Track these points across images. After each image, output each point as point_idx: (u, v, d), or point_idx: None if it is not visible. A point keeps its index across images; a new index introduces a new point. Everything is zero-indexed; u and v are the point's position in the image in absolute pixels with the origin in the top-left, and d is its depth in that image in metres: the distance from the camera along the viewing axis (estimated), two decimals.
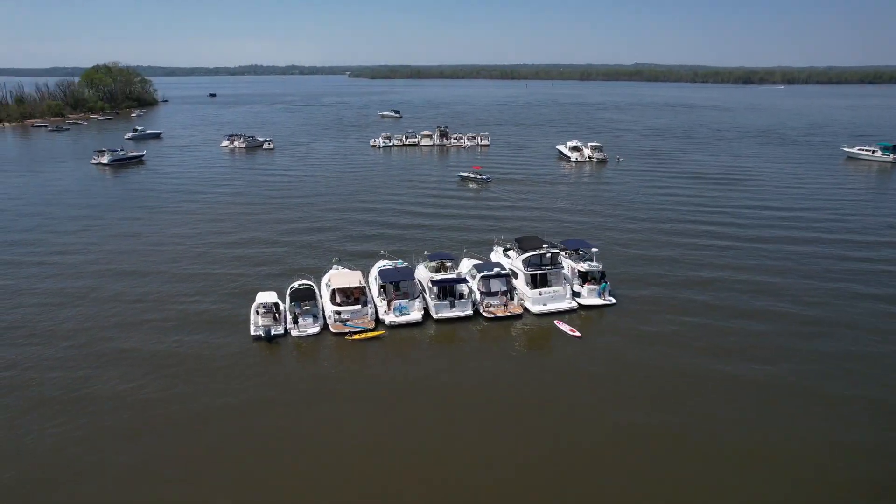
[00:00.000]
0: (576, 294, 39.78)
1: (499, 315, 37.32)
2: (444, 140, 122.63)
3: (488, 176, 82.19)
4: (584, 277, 40.46)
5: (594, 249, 42.51)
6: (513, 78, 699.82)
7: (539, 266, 39.64)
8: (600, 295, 39.42)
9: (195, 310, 38.21)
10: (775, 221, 59.82)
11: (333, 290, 36.97)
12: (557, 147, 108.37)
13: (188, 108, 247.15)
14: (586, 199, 70.27)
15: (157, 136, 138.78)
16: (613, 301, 39.43)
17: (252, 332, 34.47)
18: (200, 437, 25.42)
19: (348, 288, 36.86)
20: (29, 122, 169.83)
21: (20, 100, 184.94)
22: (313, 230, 57.31)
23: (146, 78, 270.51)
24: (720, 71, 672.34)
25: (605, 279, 40.43)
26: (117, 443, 24.94)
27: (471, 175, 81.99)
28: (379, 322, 36.33)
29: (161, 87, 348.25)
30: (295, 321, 35.14)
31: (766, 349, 32.95)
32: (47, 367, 31.09)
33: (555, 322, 36.70)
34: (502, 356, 33.21)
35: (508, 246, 44.91)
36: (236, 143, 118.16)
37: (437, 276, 38.54)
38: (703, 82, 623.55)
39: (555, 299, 38.76)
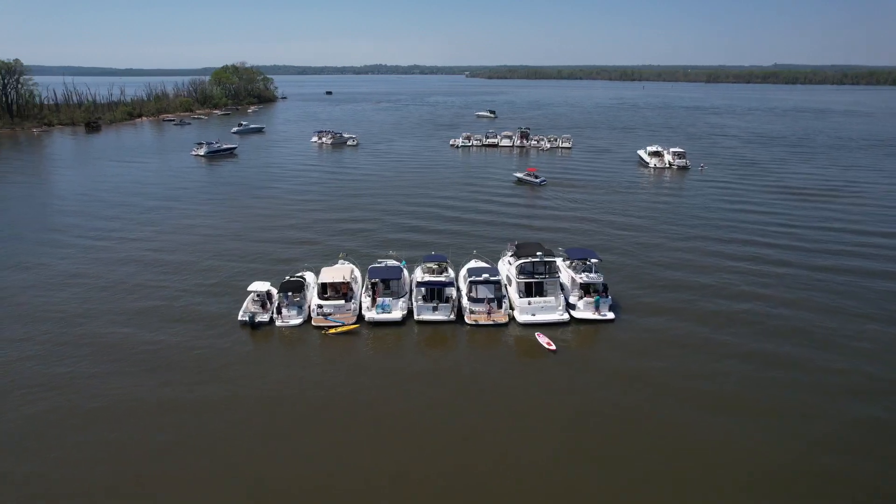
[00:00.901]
0: (571, 307, 37.68)
1: (480, 322, 36.28)
2: (525, 141, 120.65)
3: (543, 179, 79.98)
4: (586, 290, 38.19)
5: (594, 260, 39.93)
6: (633, 80, 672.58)
7: (532, 274, 38.02)
8: (595, 309, 37.02)
9: (178, 303, 40.84)
10: (858, 248, 51.59)
11: (322, 284, 37.86)
12: (638, 152, 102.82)
13: (302, 104, 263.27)
14: (643, 210, 65.80)
15: (259, 130, 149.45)
16: (611, 317, 36.83)
17: (239, 318, 36.25)
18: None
19: (335, 282, 37.59)
20: (162, 116, 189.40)
21: (157, 97, 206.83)
22: (349, 226, 58.93)
23: (268, 76, 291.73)
24: (876, 71, 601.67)
25: (606, 293, 37.92)
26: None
27: (525, 177, 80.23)
28: (360, 318, 36.71)
29: (285, 84, 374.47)
30: (279, 311, 36.47)
31: (766, 408, 27.57)
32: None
33: (536, 333, 35.01)
34: (456, 362, 32.25)
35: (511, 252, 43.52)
36: (324, 139, 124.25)
37: (423, 278, 38.19)
38: (853, 84, 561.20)
39: (545, 310, 36.96)
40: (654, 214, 63.06)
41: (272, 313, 36.77)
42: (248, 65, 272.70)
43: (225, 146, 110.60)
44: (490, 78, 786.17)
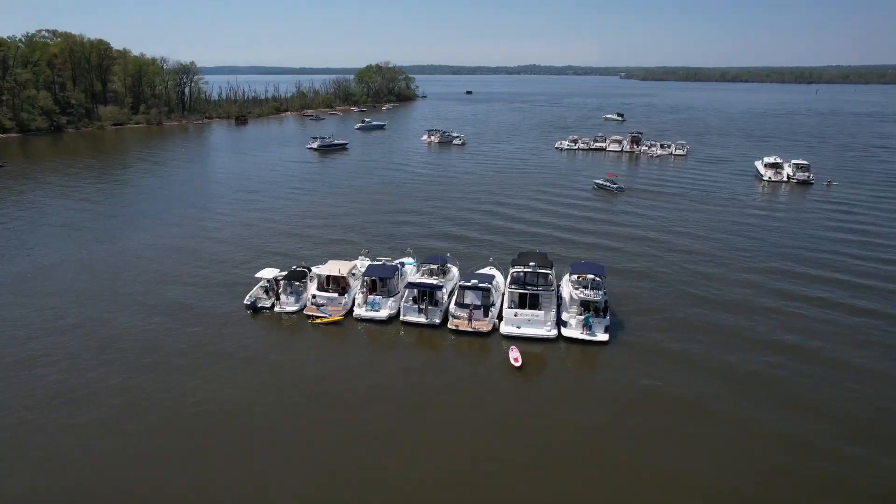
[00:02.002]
0: (564, 323, 35.44)
1: (461, 328, 35.45)
2: (634, 147, 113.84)
3: (621, 186, 75.33)
4: (586, 307, 35.65)
5: (595, 277, 36.97)
6: (809, 82, 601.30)
7: (524, 285, 36.26)
8: (584, 328, 34.45)
9: (189, 295, 44.44)
10: None
11: (320, 277, 39.40)
12: (756, 163, 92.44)
13: (437, 104, 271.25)
14: (724, 229, 58.51)
15: (380, 127, 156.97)
16: (602, 340, 34.00)
17: (244, 301, 38.99)
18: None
19: (331, 276, 38.94)
20: (303, 112, 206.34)
21: (302, 94, 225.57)
22: (400, 222, 60.22)
23: (410, 76, 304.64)
24: None
25: (605, 314, 35.09)
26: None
27: (603, 183, 76.16)
28: (350, 313, 37.68)
29: (433, 84, 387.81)
30: (277, 297, 38.68)
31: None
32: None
33: (511, 347, 33.45)
34: (405, 367, 31.58)
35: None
36: (432, 138, 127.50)
37: (413, 279, 38.14)
38: None
39: (532, 324, 35.10)
40: (734, 237, 55.74)
41: (275, 299, 39.07)
42: (391, 64, 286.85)
43: (337, 141, 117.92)
44: (644, 79, 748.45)
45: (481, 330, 35.24)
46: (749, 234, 56.68)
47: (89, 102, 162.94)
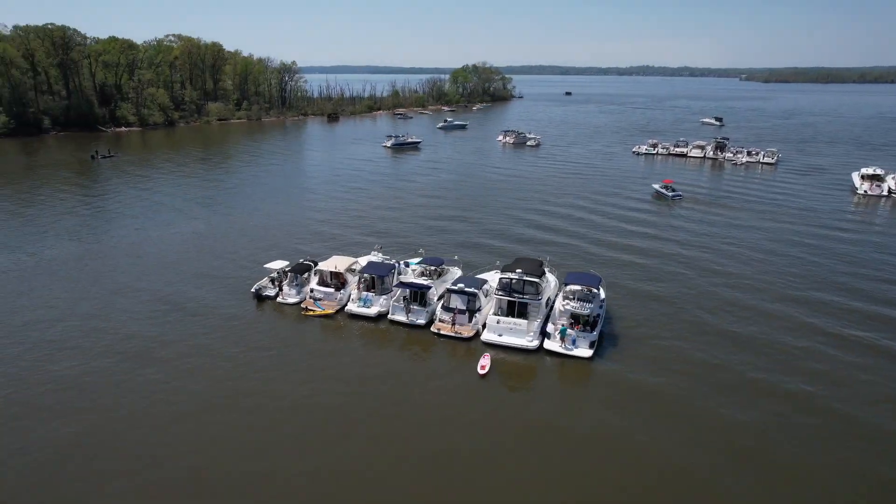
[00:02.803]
0: (547, 335, 34.03)
1: (442, 332, 35.06)
2: (719, 153, 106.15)
3: (678, 193, 70.60)
4: (576, 320, 34.04)
5: (587, 289, 34.98)
6: None
7: (510, 292, 35.17)
8: (562, 340, 32.88)
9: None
10: None
11: (321, 271, 40.52)
12: (852, 175, 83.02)
13: (531, 104, 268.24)
14: (781, 247, 53.21)
15: (462, 127, 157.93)
16: (584, 356, 32.23)
17: (252, 289, 40.98)
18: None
19: (328, 271, 39.94)
20: (394, 111, 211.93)
21: (396, 93, 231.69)
22: (434, 226, 60.35)
23: (507, 76, 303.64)
24: None
25: (592, 328, 33.28)
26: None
27: (660, 189, 71.80)
28: (343, 308, 38.47)
29: (530, 84, 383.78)
30: (280, 288, 40.32)
31: None
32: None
33: (484, 354, 32.62)
34: (374, 365, 31.66)
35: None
36: (507, 139, 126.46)
37: (404, 279, 38.17)
38: None
39: (513, 333, 33.99)
40: (790, 258, 49.83)
41: (279, 289, 40.76)
42: (487, 64, 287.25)
43: (410, 140, 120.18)
44: (767, 81, 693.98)
45: (462, 335, 34.64)
46: (811, 255, 50.72)
47: (200, 99, 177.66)
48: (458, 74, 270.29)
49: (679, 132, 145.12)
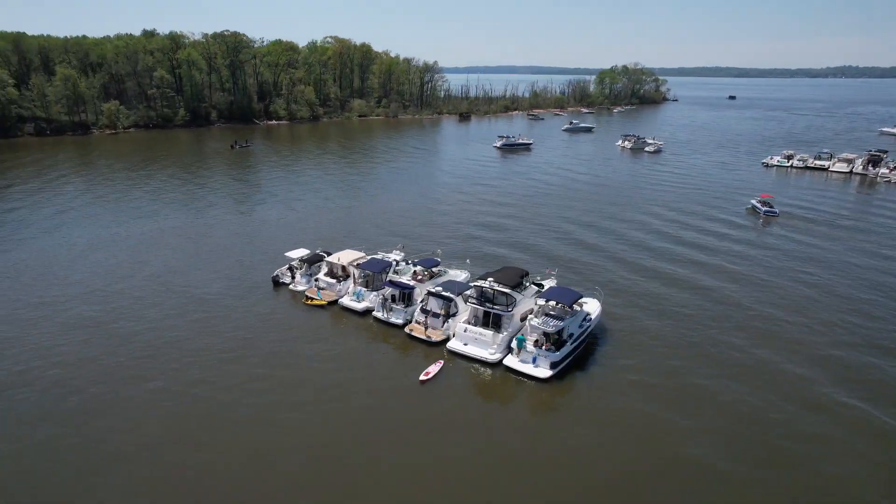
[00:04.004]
0: (510, 349, 32.45)
1: (414, 333, 34.95)
2: (870, 168, 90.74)
3: (774, 209, 62.40)
4: (547, 337, 32.12)
5: (559, 305, 32.42)
6: None
7: (481, 301, 33.94)
8: (518, 352, 31.16)
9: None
10: None
11: (329, 263, 42.33)
12: None
13: (683, 108, 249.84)
14: (876, 281, 44.95)
15: (588, 130, 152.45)
16: (541, 375, 30.22)
17: (272, 275, 44.13)
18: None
19: (334, 264, 41.61)
20: (530, 111, 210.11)
21: (535, 94, 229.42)
22: (484, 232, 59.59)
23: (660, 78, 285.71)
24: None
25: (556, 346, 31.09)
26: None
27: (756, 204, 64.04)
28: (338, 300, 39.95)
29: (690, 87, 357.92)
30: (293, 276, 42.95)
31: None
32: None
33: (438, 360, 32.01)
34: (325, 360, 32.25)
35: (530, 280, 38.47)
36: (626, 143, 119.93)
37: (392, 278, 38.45)
38: None
39: (478, 343, 32.89)
40: (874, 296, 42.30)
41: (290, 277, 43.44)
42: (639, 65, 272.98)
43: (521, 141, 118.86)
44: None
45: (434, 339, 34.24)
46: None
47: (344, 96, 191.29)
48: (606, 75, 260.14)
49: (844, 143, 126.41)
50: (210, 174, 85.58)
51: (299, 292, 41.69)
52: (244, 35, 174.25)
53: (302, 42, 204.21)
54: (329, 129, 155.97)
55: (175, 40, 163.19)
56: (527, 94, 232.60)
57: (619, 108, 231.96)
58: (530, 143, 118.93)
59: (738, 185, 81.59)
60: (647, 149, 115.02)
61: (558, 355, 30.95)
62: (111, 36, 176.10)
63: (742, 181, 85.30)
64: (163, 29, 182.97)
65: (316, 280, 41.52)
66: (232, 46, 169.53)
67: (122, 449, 24.70)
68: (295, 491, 22.50)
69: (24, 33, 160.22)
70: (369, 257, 42.10)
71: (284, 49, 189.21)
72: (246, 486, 22.74)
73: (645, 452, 24.54)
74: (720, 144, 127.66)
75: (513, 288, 33.85)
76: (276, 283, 43.22)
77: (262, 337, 34.75)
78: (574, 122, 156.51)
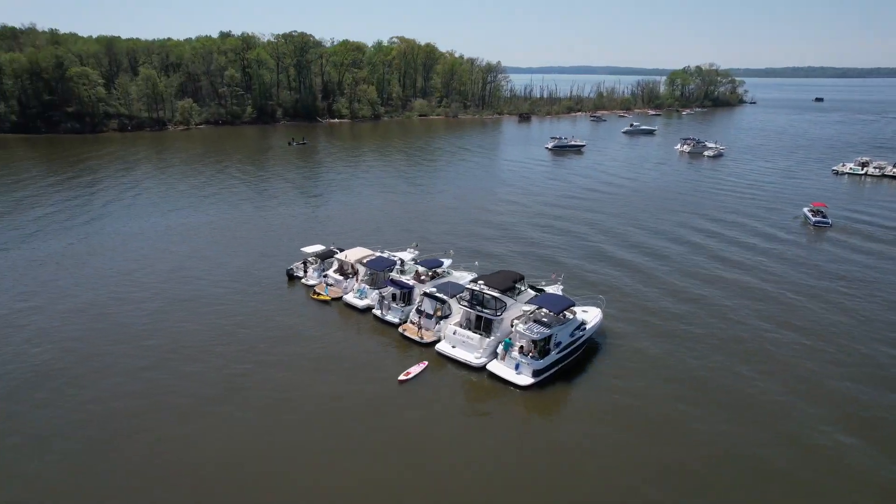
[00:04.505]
0: (496, 355, 32.01)
1: (406, 333, 35.13)
2: None
3: (827, 220, 58.16)
4: (535, 344, 31.54)
5: (547, 311, 31.52)
6: None
7: (472, 304, 33.63)
8: (503, 355, 30.72)
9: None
10: None
11: (339, 260, 43.19)
12: None
13: (761, 110, 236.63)
14: None
15: (650, 132, 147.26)
16: (520, 382, 29.69)
17: (287, 268, 45.56)
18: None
19: (343, 261, 42.42)
20: (592, 112, 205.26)
21: (600, 95, 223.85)
22: (496, 234, 58.85)
23: (737, 79, 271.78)
24: None
25: (541, 354, 30.40)
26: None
27: (807, 213, 60.02)
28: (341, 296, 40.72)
29: (774, 89, 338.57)
30: (305, 271, 44.19)
31: None
32: None
33: (422, 361, 32.02)
34: (311, 355, 32.83)
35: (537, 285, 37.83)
36: (684, 147, 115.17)
37: (394, 276, 38.72)
38: None
39: (465, 346, 32.68)
40: None
41: (303, 271, 44.69)
42: (715, 66, 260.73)
43: (573, 142, 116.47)
44: None
45: (425, 339, 34.29)
46: None
47: (406, 96, 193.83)
48: (677, 76, 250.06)
49: None
50: (261, 170, 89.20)
51: (310, 287, 42.80)
52: (311, 36, 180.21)
53: (371, 42, 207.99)
54: (388, 128, 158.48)
55: (247, 41, 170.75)
56: (592, 95, 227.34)
57: (688, 111, 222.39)
58: (582, 146, 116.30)
59: (797, 194, 76.43)
60: (706, 153, 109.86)
61: (541, 363, 30.28)
62: (192, 38, 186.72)
63: (803, 189, 79.84)
64: (239, 30, 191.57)
65: (325, 276, 42.52)
66: (299, 46, 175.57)
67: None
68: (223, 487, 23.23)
69: (118, 37, 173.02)
70: (376, 255, 42.58)
71: (350, 49, 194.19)
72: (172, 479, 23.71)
73: (599, 488, 23.30)
74: (791, 150, 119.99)
75: (503, 292, 33.36)
76: (291, 277, 44.58)
77: (255, 327, 35.92)
78: (635, 124, 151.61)
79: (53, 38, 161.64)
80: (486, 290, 33.19)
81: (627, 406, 28.22)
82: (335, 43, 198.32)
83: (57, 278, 43.61)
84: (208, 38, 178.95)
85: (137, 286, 42.12)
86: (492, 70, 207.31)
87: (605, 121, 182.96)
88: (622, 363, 32.29)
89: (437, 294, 35.52)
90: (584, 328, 33.31)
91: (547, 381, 30.35)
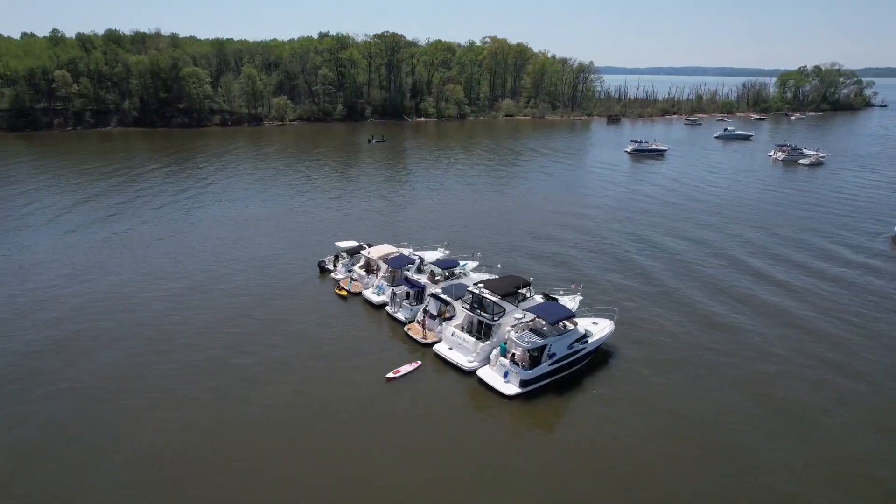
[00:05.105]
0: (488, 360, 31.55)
1: (410, 332, 35.43)
2: None
3: None
4: (530, 353, 30.80)
5: (541, 321, 30.41)
6: None
7: (472, 307, 33.25)
8: (494, 361, 30.25)
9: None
10: None
11: (365, 256, 44.21)
12: None
13: (892, 115, 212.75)
14: None
15: (746, 137, 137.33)
16: (506, 391, 29.09)
17: (319, 260, 47.34)
18: None
19: (368, 257, 43.39)
20: (688, 115, 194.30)
21: (700, 97, 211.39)
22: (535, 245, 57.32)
23: (864, 80, 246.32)
24: None
25: (531, 364, 29.60)
26: None
27: None
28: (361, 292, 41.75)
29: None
30: (334, 265, 45.73)
31: None
32: None
33: (415, 361, 32.17)
34: (311, 345, 33.86)
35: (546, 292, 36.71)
36: (778, 154, 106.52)
37: (409, 275, 39.03)
38: None
39: (460, 349, 32.50)
40: None
41: (334, 265, 46.24)
42: (836, 66, 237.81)
43: (654, 147, 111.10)
44: None
45: (426, 339, 34.43)
46: None
47: (498, 96, 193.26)
48: (790, 77, 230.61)
49: None
50: (338, 165, 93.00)
51: (337, 281, 44.21)
52: (402, 36, 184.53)
53: (463, 42, 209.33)
54: (473, 127, 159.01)
55: (341, 41, 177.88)
56: (692, 97, 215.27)
57: (797, 115, 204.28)
58: (664, 150, 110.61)
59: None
60: (802, 161, 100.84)
61: (530, 374, 29.48)
62: (294, 39, 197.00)
63: None
64: (338, 30, 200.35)
65: (350, 270, 43.76)
66: (390, 46, 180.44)
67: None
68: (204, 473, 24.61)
69: (230, 39, 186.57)
70: (398, 252, 43.19)
71: (441, 49, 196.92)
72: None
73: None
74: None
75: (504, 297, 32.77)
76: (322, 270, 46.29)
77: (266, 315, 37.71)
78: (729, 128, 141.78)
79: (174, 41, 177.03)
80: (486, 294, 32.76)
81: (607, 442, 26.04)
82: (429, 42, 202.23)
83: (108, 258, 48.22)
84: (308, 38, 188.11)
85: (174, 268, 45.56)
86: (584, 70, 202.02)
87: (700, 124, 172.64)
88: (620, 388, 30.32)
89: (442, 295, 35.52)
90: (586, 341, 31.97)
91: (538, 392, 29.46)
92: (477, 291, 33.16)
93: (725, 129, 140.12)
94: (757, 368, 32.31)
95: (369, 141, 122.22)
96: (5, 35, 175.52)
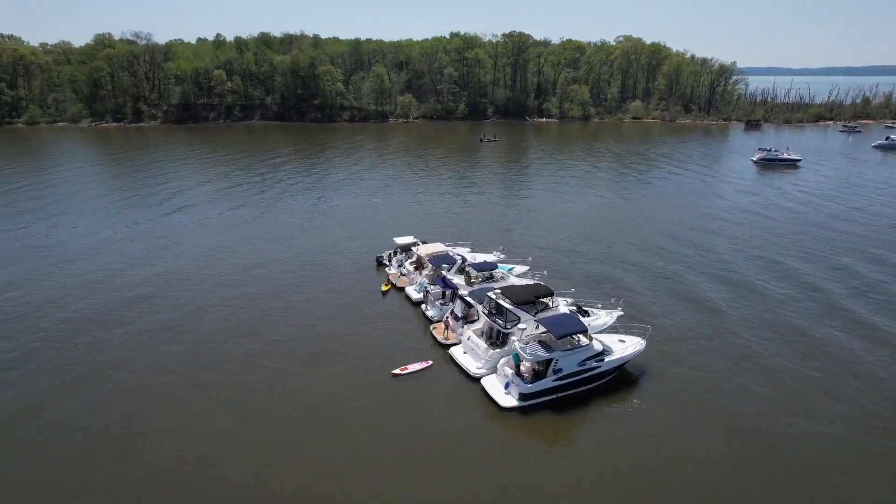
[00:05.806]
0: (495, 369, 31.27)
1: (433, 332, 36.02)
2: None
3: None
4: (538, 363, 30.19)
5: (548, 335, 29.26)
6: None
7: (489, 313, 32.98)
8: (500, 370, 29.95)
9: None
10: None
11: (416, 253, 45.39)
12: None
13: None
14: None
15: None
16: (504, 403, 28.68)
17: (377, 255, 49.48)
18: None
19: (418, 256, 44.53)
20: (848, 121, 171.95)
21: (866, 100, 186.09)
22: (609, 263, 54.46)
23: None
24: None
25: (534, 377, 28.88)
26: None
27: None
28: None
29: None
30: (389, 260, 47.64)
31: None
32: None
33: (426, 360, 32.66)
34: (330, 338, 35.14)
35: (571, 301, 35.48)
36: None
37: (446, 274, 39.47)
38: None
39: (471, 354, 32.57)
40: None
41: (388, 260, 48.17)
42: None
43: (785, 156, 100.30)
44: None
45: (447, 340, 34.89)
46: None
47: (628, 98, 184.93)
48: None
49: None
50: (441, 162, 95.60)
51: (391, 273, 45.98)
52: (530, 35, 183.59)
53: (595, 41, 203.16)
54: (597, 129, 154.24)
55: (468, 41, 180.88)
56: (857, 100, 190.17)
57: None
58: (797, 160, 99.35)
59: None
60: None
61: (530, 388, 28.78)
62: (429, 38, 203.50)
63: None
64: (470, 29, 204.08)
65: (399, 265, 45.32)
66: (517, 46, 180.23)
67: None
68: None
69: (368, 40, 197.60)
70: (446, 252, 43.87)
71: (569, 49, 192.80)
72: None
73: None
74: None
75: (519, 305, 32.14)
76: (379, 264, 48.35)
77: (304, 307, 40.06)
78: (892, 137, 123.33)
79: (315, 42, 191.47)
80: (501, 301, 32.42)
81: (609, 460, 25.27)
82: (561, 42, 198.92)
83: (190, 239, 54.16)
84: (440, 38, 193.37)
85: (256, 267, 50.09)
86: (725, 71, 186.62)
87: (859, 132, 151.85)
88: (635, 421, 28.33)
89: (467, 298, 35.70)
90: (603, 359, 30.45)
91: (534, 406, 28.66)
92: (494, 297, 32.91)
93: (888, 138, 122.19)
94: (786, 408, 28.77)
95: (480, 140, 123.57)
96: (185, 41, 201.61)
